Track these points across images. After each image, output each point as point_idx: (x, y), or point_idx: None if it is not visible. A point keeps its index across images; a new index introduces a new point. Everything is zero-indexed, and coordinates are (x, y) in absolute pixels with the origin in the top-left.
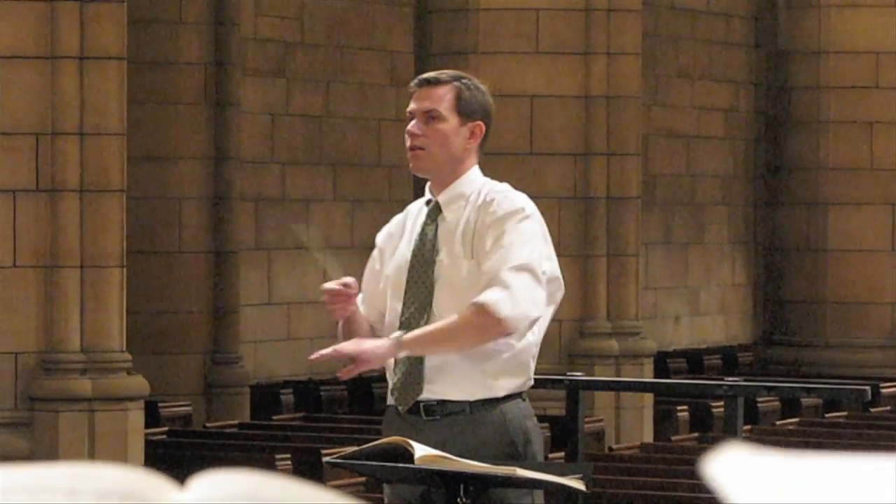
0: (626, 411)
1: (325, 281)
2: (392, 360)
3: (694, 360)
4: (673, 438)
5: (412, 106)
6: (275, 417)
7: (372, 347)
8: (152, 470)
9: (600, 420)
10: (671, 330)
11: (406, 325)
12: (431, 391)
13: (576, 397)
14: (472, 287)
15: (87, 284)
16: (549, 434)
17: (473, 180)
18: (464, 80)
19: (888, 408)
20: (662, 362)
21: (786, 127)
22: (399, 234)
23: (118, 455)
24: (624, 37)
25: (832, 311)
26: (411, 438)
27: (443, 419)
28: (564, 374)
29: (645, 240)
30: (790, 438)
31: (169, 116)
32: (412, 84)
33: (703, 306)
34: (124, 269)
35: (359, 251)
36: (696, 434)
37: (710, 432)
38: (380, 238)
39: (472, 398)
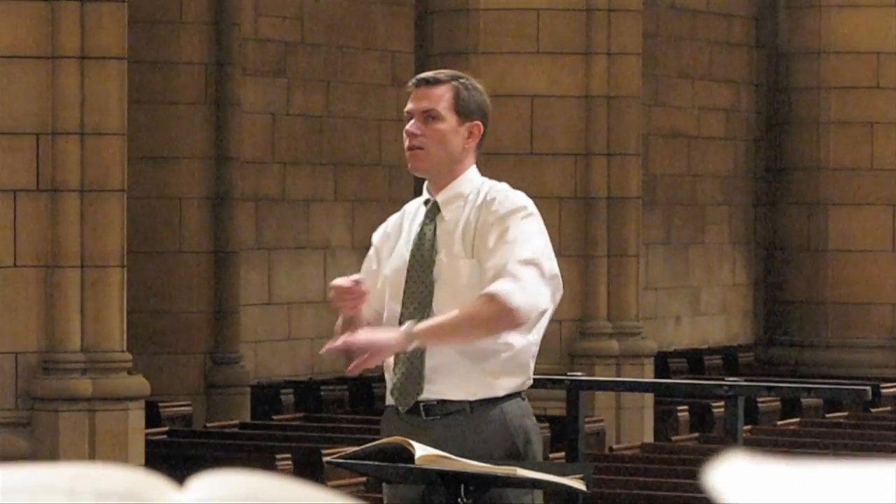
0: (627, 411)
1: (325, 283)
2: (392, 360)
3: (694, 360)
4: (673, 438)
5: (410, 106)
6: (275, 417)
7: (384, 338)
8: (152, 470)
9: (601, 420)
10: (672, 330)
11: (405, 323)
12: (431, 391)
13: (576, 397)
14: (472, 287)
15: (87, 284)
16: (549, 434)
17: (472, 180)
18: (462, 80)
19: (889, 408)
20: (663, 362)
21: (786, 127)
22: (396, 234)
23: (118, 455)
24: (624, 37)
25: (833, 311)
26: (411, 438)
27: (443, 419)
28: (565, 374)
29: (645, 240)
30: (791, 439)
31: (169, 116)
32: (410, 84)
33: (703, 306)
34: (125, 269)
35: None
36: (696, 434)
37: (711, 432)
38: (376, 237)
39: (472, 398)
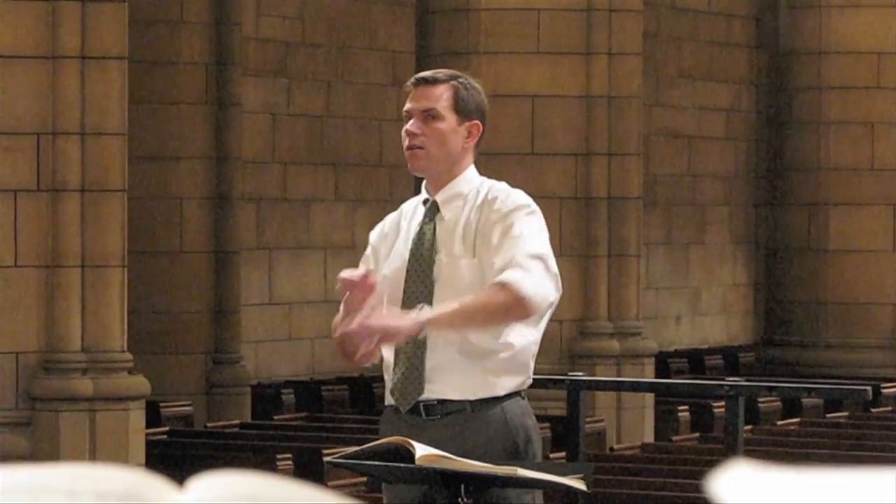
0: (627, 411)
1: (326, 283)
2: (391, 360)
3: (695, 360)
4: (674, 439)
5: (409, 105)
6: (276, 417)
7: (398, 324)
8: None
9: (601, 420)
10: (672, 330)
11: None
12: (432, 391)
13: (577, 397)
14: (472, 286)
15: (88, 284)
16: (549, 434)
17: (471, 179)
18: (460, 80)
19: (889, 408)
20: (663, 362)
21: (787, 127)
22: (394, 234)
23: (119, 455)
24: (625, 37)
25: (833, 311)
26: (411, 438)
27: (443, 418)
28: (565, 374)
29: (646, 240)
30: (791, 439)
31: (170, 116)
32: (408, 83)
33: (704, 306)
34: (125, 269)
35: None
36: (696, 434)
37: (711, 433)
38: (373, 236)
39: (473, 397)
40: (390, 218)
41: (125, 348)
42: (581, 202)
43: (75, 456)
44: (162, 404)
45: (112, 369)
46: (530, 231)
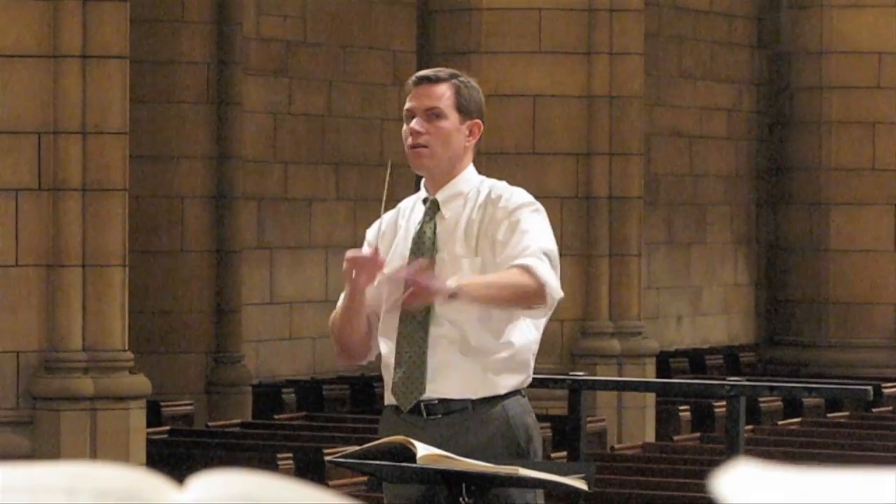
0: (628, 411)
1: (326, 282)
2: (391, 360)
3: (696, 359)
4: (675, 438)
5: (411, 104)
6: (277, 417)
7: (436, 284)
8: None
9: (602, 420)
10: (673, 330)
11: (405, 322)
12: (433, 390)
13: (578, 397)
14: None
15: (89, 283)
16: (550, 434)
17: (471, 178)
18: (460, 79)
19: (890, 408)
20: (664, 362)
21: (788, 127)
22: (392, 232)
23: (120, 454)
24: (626, 36)
25: (834, 311)
26: (412, 438)
27: (444, 418)
28: (566, 374)
29: (647, 240)
30: (792, 438)
31: (171, 115)
32: (409, 82)
33: (705, 306)
34: (126, 269)
35: None
36: (697, 434)
37: (712, 432)
38: (370, 234)
39: (474, 396)
40: (388, 216)
41: (126, 347)
42: (582, 202)
43: (76, 455)
44: (163, 404)
45: (113, 368)
46: (538, 227)
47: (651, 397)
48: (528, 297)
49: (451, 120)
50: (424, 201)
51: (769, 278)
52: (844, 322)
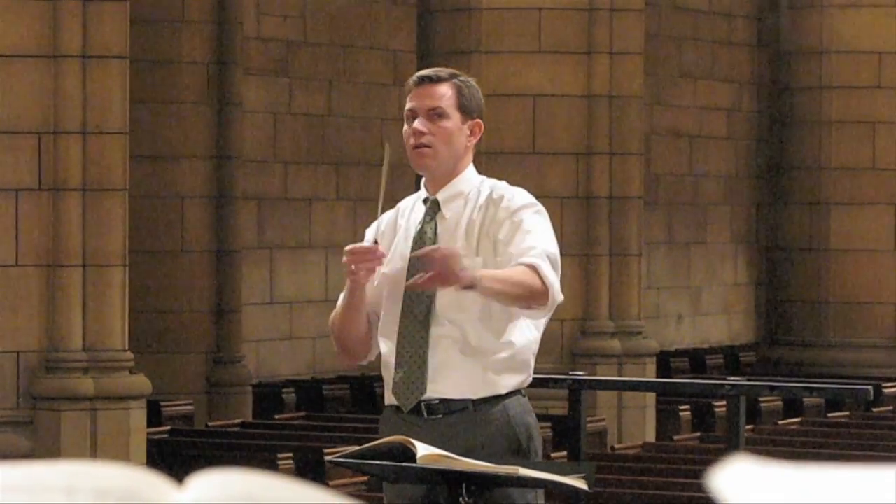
0: (629, 411)
1: (327, 282)
2: (392, 359)
3: (696, 359)
4: (675, 438)
5: (413, 104)
6: (277, 416)
7: (453, 268)
8: (154, 469)
9: (602, 420)
10: (673, 329)
11: (406, 321)
12: (433, 390)
13: (578, 397)
14: None
15: (89, 283)
16: (551, 434)
17: (471, 178)
18: (461, 78)
19: (890, 408)
20: (665, 362)
21: (788, 127)
22: (391, 232)
23: (120, 454)
24: (627, 36)
25: (834, 310)
26: (412, 438)
27: (445, 418)
28: (567, 374)
29: (647, 239)
30: (792, 438)
31: (171, 115)
32: (410, 82)
33: (705, 306)
34: (126, 268)
35: None
36: (698, 434)
37: (713, 432)
38: (369, 234)
39: (475, 396)
40: (387, 216)
41: (126, 347)
42: (582, 201)
43: (76, 455)
44: (163, 403)
45: (113, 368)
46: (541, 228)
47: (651, 397)
48: (533, 296)
49: (454, 120)
50: (425, 201)
51: (769, 278)
52: (844, 322)
